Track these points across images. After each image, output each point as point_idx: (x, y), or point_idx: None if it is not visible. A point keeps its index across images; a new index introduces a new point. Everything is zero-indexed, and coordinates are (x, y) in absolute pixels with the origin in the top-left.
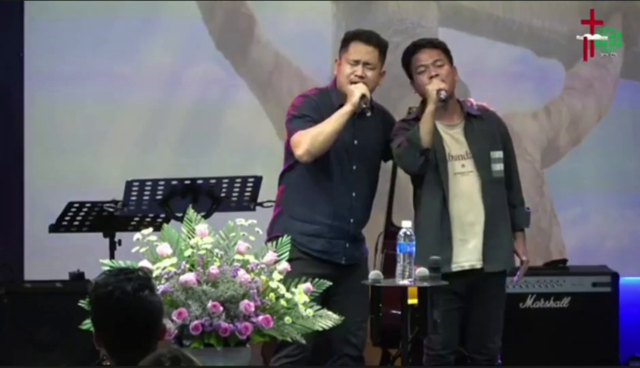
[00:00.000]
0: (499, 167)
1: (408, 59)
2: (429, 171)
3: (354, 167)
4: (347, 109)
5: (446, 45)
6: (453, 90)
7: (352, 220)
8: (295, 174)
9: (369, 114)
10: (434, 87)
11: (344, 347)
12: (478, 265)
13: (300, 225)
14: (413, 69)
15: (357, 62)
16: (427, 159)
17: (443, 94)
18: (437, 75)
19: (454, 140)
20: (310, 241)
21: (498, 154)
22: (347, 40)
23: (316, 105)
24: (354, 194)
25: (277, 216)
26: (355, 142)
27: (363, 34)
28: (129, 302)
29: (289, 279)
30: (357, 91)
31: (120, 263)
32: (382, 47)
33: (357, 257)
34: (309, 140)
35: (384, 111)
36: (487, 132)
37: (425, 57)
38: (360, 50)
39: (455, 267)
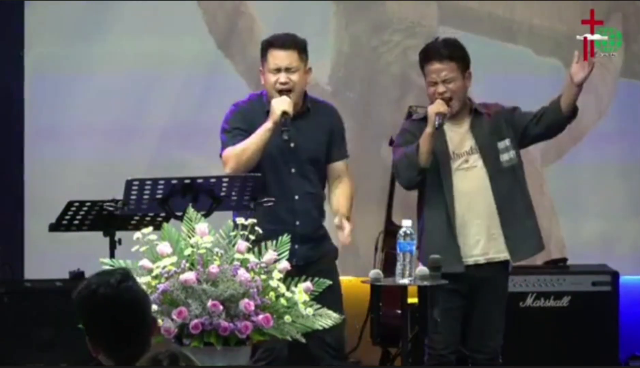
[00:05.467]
0: (506, 156)
1: (422, 64)
2: (432, 171)
3: (292, 170)
4: (268, 125)
5: (461, 52)
6: (462, 101)
7: (297, 223)
8: None
9: (288, 129)
10: (434, 110)
11: (321, 350)
12: (482, 260)
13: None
14: (425, 76)
15: (278, 70)
16: (424, 177)
17: (437, 122)
18: (444, 92)
19: (459, 137)
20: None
21: (505, 143)
22: (264, 49)
23: (247, 114)
24: (296, 197)
25: None
26: (292, 145)
27: (277, 39)
28: (114, 294)
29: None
30: (277, 109)
31: (121, 262)
32: (300, 47)
33: (312, 255)
34: (235, 158)
35: (325, 106)
36: (492, 124)
37: (436, 71)
38: (278, 57)
39: (462, 266)
